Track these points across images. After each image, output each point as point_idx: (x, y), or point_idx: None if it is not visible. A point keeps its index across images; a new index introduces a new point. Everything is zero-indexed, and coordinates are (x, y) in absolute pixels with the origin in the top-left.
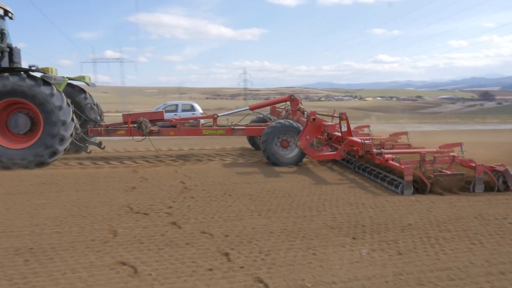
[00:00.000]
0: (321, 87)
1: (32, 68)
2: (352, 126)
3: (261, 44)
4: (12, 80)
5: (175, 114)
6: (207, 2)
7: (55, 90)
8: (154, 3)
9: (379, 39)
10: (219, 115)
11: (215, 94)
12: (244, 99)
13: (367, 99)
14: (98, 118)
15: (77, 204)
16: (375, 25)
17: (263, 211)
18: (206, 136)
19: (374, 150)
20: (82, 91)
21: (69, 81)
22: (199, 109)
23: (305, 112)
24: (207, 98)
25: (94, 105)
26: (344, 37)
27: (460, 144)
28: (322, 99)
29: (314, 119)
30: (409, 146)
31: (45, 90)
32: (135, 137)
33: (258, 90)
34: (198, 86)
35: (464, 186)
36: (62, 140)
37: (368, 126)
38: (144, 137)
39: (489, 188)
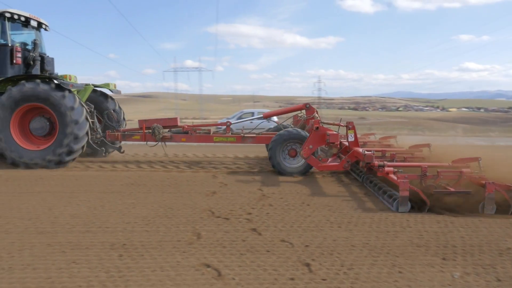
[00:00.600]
0: (400, 96)
1: (51, 75)
2: (419, 138)
3: (337, 53)
4: (28, 86)
5: (251, 122)
6: (284, 11)
7: (67, 93)
8: (232, 14)
9: (466, 46)
10: (232, 122)
11: (288, 102)
12: (318, 108)
13: (450, 109)
14: (117, 123)
15: (163, 205)
16: (462, 31)
17: (343, 223)
18: (217, 143)
19: (376, 162)
20: (107, 97)
21: (95, 88)
22: (274, 118)
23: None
24: (280, 107)
25: (113, 111)
26: (426, 44)
27: (477, 159)
28: (400, 109)
29: (317, 128)
30: (423, 159)
31: (57, 93)
32: (148, 142)
33: (332, 99)
34: (271, 95)
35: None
36: (76, 138)
37: (394, 137)
38: (157, 142)
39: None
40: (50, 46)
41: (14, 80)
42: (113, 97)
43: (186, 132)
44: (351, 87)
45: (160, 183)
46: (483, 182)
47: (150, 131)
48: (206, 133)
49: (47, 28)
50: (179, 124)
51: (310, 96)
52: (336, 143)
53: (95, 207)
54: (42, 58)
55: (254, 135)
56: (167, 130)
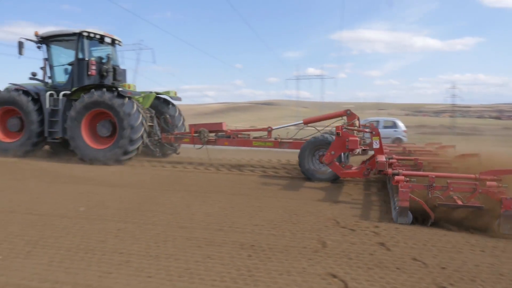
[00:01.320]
0: None
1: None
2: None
3: (476, 55)
4: (96, 94)
5: None
6: (412, 14)
7: (126, 100)
8: (357, 21)
9: None
10: (273, 128)
11: (416, 110)
12: (451, 117)
13: None
14: (172, 127)
15: (287, 210)
16: None
17: (487, 247)
18: (256, 147)
19: (390, 170)
20: (168, 104)
21: (158, 95)
22: (401, 126)
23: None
24: (407, 115)
25: (173, 116)
26: None
27: (510, 172)
28: None
29: (338, 134)
30: (455, 169)
31: (118, 100)
32: (195, 145)
33: (469, 107)
34: (397, 102)
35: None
36: (131, 141)
37: (452, 146)
38: (202, 145)
39: None
40: (184, 57)
41: (87, 89)
42: (174, 103)
43: (229, 137)
44: (493, 93)
45: (283, 188)
46: (502, 196)
47: (198, 134)
48: (246, 138)
49: (120, 43)
50: (224, 128)
51: (441, 104)
52: (355, 149)
53: (226, 207)
54: (115, 69)
55: (291, 140)
56: (213, 134)
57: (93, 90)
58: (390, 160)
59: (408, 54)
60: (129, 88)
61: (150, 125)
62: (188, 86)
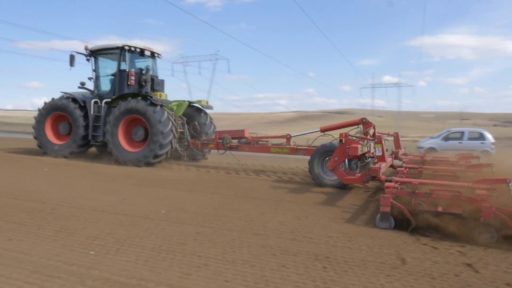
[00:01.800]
0: None
1: (147, 93)
2: None
3: None
4: (132, 102)
5: (459, 143)
6: (502, 16)
7: (158, 108)
8: (438, 26)
9: None
10: (292, 135)
11: (506, 120)
12: None
13: None
14: (199, 134)
15: (363, 223)
16: None
17: None
18: (274, 153)
19: (383, 177)
20: (200, 112)
21: (190, 104)
22: (490, 138)
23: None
24: (495, 125)
25: (204, 124)
26: None
27: (505, 181)
28: None
29: (341, 141)
30: (456, 178)
31: (150, 108)
32: (219, 151)
33: None
34: (485, 111)
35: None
36: (161, 146)
37: (478, 157)
38: (225, 150)
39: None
40: (258, 66)
41: (125, 97)
42: (206, 111)
43: (249, 143)
44: None
45: (359, 201)
46: (483, 204)
47: (221, 140)
48: (265, 144)
49: (159, 56)
50: (246, 135)
51: None
52: (355, 155)
53: (299, 217)
54: (153, 80)
55: (306, 147)
56: (236, 140)
57: (129, 98)
58: (399, 168)
59: (497, 60)
60: (160, 97)
61: (180, 131)
62: (261, 95)
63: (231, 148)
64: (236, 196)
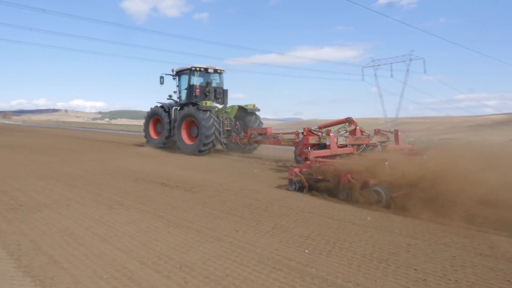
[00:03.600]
0: None
1: (197, 103)
2: None
3: None
4: (187, 108)
5: None
6: None
7: (206, 114)
8: None
9: None
10: (299, 131)
11: None
12: None
13: None
14: (240, 131)
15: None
16: None
17: None
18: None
19: (310, 157)
20: (251, 114)
21: (240, 107)
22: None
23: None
24: None
25: (239, 123)
26: None
27: (384, 161)
28: None
29: (303, 133)
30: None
31: (199, 112)
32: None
33: None
34: None
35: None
36: (204, 144)
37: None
38: (251, 143)
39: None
40: (460, 64)
41: (187, 105)
42: (256, 113)
43: (268, 138)
44: None
45: None
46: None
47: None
48: (278, 138)
49: (222, 71)
50: (268, 132)
51: None
52: (309, 144)
53: None
54: (215, 90)
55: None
56: (260, 136)
57: (188, 106)
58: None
59: None
60: (206, 104)
61: (227, 129)
62: (463, 96)
63: (256, 141)
64: None
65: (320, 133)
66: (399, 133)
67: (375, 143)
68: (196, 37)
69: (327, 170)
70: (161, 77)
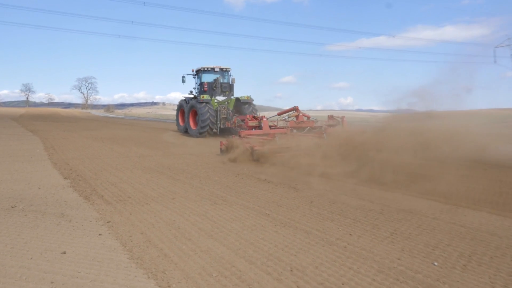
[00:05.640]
0: None
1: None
2: None
3: None
4: (191, 101)
5: None
6: None
7: (201, 104)
8: None
9: None
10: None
11: None
12: None
13: None
14: (232, 118)
15: None
16: None
17: None
18: None
19: (242, 134)
20: (246, 104)
21: (237, 98)
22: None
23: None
24: None
25: (231, 111)
26: None
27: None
28: None
29: (248, 118)
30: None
31: (198, 104)
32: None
33: None
34: None
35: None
36: (201, 127)
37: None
38: (236, 128)
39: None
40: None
41: (195, 98)
42: (251, 103)
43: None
44: None
45: None
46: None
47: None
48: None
49: (227, 69)
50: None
51: None
52: (249, 127)
53: None
54: (221, 85)
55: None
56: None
57: (193, 99)
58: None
59: None
60: (203, 97)
61: (224, 117)
62: None
63: (239, 126)
64: None
65: (260, 119)
66: (344, 119)
67: (320, 126)
68: (297, 21)
69: (239, 143)
70: (183, 77)
